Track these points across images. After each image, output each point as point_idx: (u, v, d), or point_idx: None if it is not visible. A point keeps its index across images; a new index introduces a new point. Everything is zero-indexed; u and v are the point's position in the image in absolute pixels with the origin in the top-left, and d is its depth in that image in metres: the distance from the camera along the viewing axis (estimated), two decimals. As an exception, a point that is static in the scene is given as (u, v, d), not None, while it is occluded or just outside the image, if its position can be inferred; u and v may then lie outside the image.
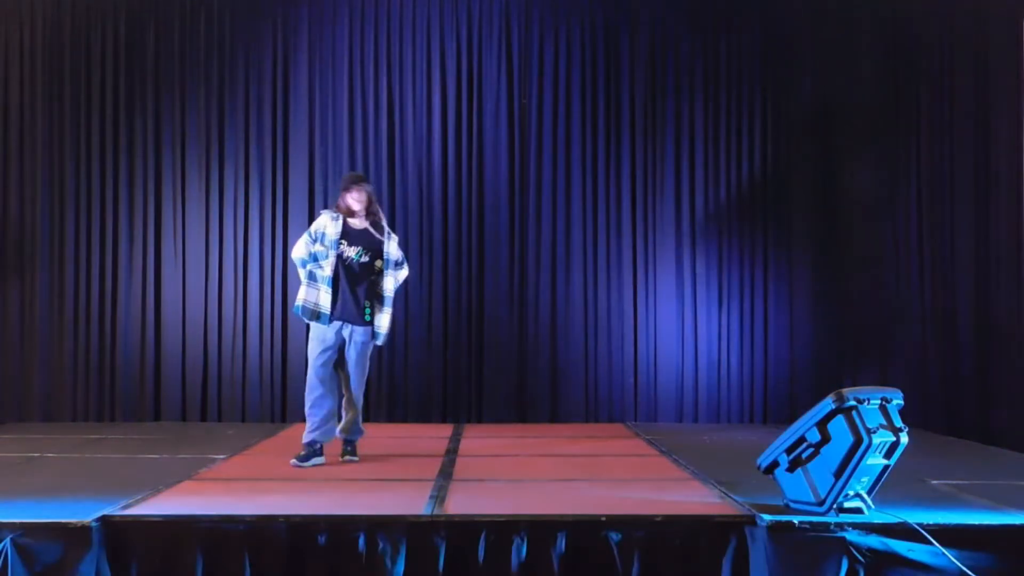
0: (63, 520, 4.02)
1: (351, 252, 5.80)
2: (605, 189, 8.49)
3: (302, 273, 5.87)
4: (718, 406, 8.38)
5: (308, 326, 5.95)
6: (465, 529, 4.14)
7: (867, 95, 8.46)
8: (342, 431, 5.87)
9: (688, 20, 8.55)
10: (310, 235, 5.88)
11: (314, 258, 5.82)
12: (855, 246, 8.45)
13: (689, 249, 8.47)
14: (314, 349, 5.77)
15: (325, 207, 8.21)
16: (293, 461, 5.63)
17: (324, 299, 5.76)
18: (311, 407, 5.73)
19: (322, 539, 4.09)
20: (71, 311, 8.23)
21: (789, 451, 4.29)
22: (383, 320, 5.87)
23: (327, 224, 5.85)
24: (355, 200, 5.88)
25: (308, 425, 5.74)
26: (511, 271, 8.42)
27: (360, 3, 8.48)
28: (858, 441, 4.08)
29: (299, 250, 5.93)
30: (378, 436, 7.14)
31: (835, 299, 8.43)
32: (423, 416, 8.25)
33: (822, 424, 4.20)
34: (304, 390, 5.84)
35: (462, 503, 4.56)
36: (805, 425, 4.26)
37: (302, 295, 5.82)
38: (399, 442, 6.89)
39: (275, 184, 8.36)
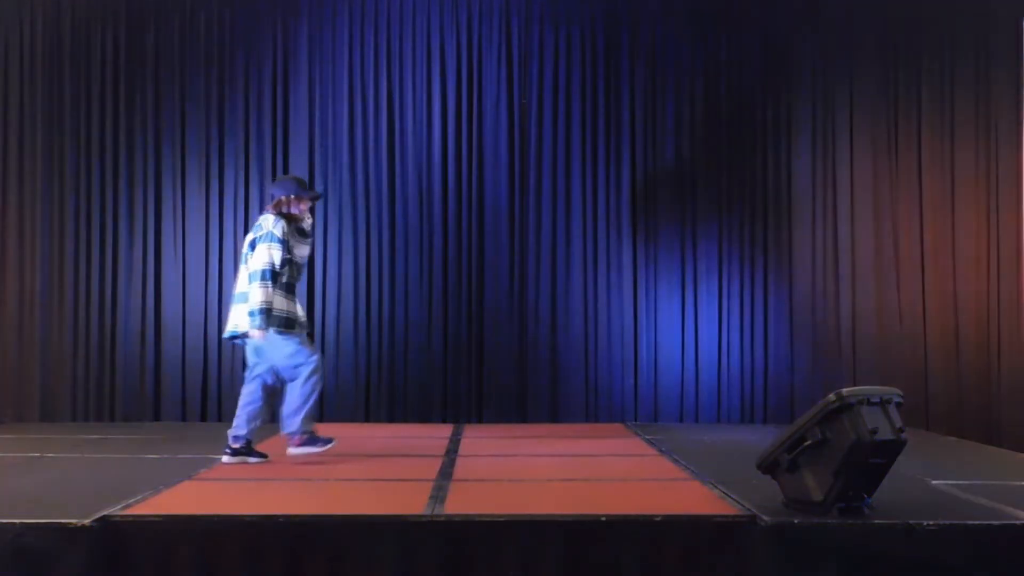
0: (63, 520, 4.02)
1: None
2: (605, 189, 8.49)
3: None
4: (718, 406, 8.39)
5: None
6: (465, 529, 4.13)
7: (868, 95, 8.46)
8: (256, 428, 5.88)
9: (688, 20, 8.55)
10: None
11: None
12: (856, 246, 8.44)
13: (690, 248, 8.47)
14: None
15: (324, 207, 8.32)
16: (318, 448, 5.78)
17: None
18: (313, 401, 5.81)
19: (322, 539, 4.09)
20: (71, 311, 8.24)
21: (789, 451, 4.29)
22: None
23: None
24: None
25: (309, 413, 5.80)
26: (511, 271, 8.42)
27: (360, 3, 8.48)
28: (858, 441, 4.07)
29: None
30: (378, 436, 7.15)
31: (835, 299, 8.43)
32: (423, 416, 8.25)
33: (822, 424, 4.20)
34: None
35: (462, 503, 4.55)
36: (805, 425, 4.25)
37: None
38: (399, 442, 6.88)
39: (275, 184, 8.37)
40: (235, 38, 8.43)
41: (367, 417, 8.22)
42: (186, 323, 8.27)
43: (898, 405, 4.28)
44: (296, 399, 5.78)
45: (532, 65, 8.50)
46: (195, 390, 8.25)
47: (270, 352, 5.77)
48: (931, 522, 4.08)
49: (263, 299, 5.64)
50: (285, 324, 5.74)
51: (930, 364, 8.26)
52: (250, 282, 5.71)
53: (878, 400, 4.21)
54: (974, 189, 8.24)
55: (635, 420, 8.33)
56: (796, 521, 4.13)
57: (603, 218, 8.49)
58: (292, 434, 5.80)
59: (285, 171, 8.33)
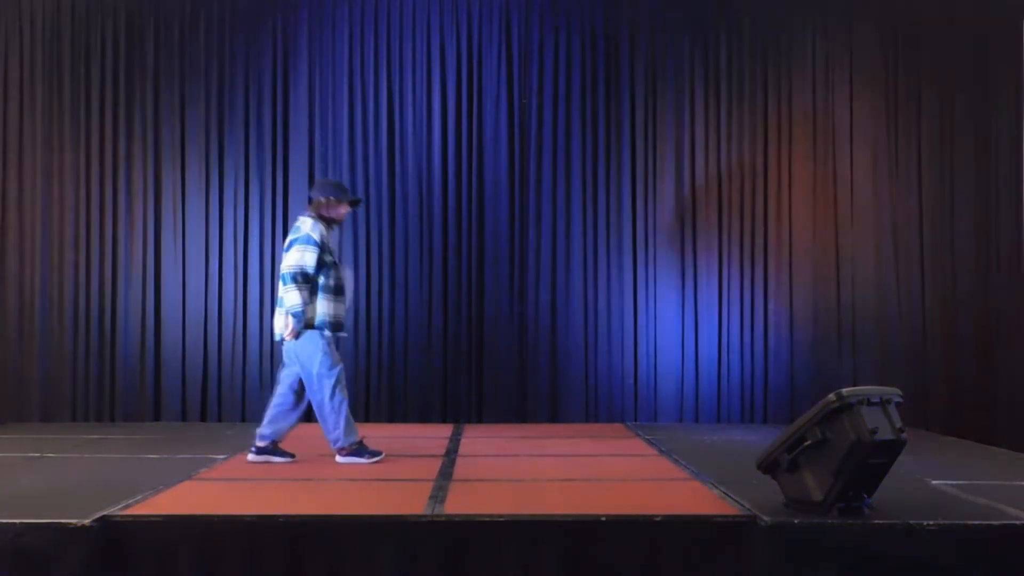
0: (63, 520, 4.02)
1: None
2: (605, 188, 8.49)
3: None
4: (718, 406, 8.38)
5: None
6: (465, 529, 4.14)
7: (868, 94, 8.46)
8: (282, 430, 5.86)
9: (688, 19, 8.55)
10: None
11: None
12: (856, 246, 8.44)
13: (690, 248, 8.46)
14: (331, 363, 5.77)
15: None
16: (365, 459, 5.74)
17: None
18: (346, 411, 5.77)
19: (322, 539, 4.09)
20: (71, 311, 8.24)
21: (789, 451, 4.29)
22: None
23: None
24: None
25: (348, 425, 5.76)
26: (511, 271, 8.42)
27: (360, 3, 8.48)
28: (858, 441, 4.07)
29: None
30: (378, 436, 7.14)
31: (835, 299, 8.43)
32: (423, 416, 8.25)
33: (822, 424, 4.20)
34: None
35: (462, 503, 4.55)
36: (805, 425, 4.25)
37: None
38: (399, 442, 6.87)
39: (275, 184, 8.37)
40: (235, 38, 8.43)
41: (367, 417, 8.21)
42: (186, 323, 8.27)
43: (898, 405, 4.29)
44: (329, 417, 5.74)
45: (532, 65, 8.49)
46: (195, 390, 8.25)
47: (298, 352, 5.71)
48: (931, 522, 4.08)
49: (297, 301, 5.61)
50: (332, 327, 5.72)
51: (929, 364, 8.26)
52: (282, 284, 5.69)
53: (878, 400, 4.21)
54: (974, 188, 8.24)
55: (635, 420, 8.32)
56: (796, 521, 4.13)
57: (603, 218, 8.49)
58: (341, 448, 5.78)
59: (285, 171, 8.36)
